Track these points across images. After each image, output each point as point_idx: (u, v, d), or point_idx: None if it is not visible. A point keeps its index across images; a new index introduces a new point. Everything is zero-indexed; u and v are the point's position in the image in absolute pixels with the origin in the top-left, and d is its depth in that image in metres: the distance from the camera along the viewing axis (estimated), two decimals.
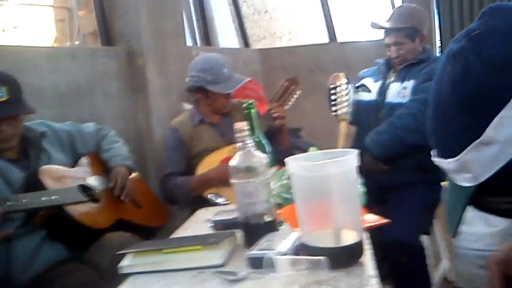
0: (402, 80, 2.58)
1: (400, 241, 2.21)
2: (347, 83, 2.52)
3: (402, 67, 2.62)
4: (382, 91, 2.65)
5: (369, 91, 2.71)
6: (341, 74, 2.56)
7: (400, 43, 2.59)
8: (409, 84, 2.54)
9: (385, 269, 2.45)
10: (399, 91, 2.56)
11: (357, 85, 2.79)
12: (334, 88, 2.52)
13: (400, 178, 2.55)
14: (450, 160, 0.68)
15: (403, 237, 2.22)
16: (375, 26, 2.68)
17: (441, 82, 0.69)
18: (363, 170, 2.54)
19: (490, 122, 0.62)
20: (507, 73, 0.61)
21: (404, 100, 2.53)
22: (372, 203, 2.43)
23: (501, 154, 0.63)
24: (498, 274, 0.90)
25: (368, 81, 2.76)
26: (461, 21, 5.20)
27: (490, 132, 0.62)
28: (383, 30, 2.68)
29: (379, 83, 2.70)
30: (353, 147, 2.54)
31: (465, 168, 0.67)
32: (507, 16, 0.64)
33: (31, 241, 1.88)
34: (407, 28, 2.57)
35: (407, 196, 2.50)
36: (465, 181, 0.68)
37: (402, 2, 5.39)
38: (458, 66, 0.66)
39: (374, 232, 2.25)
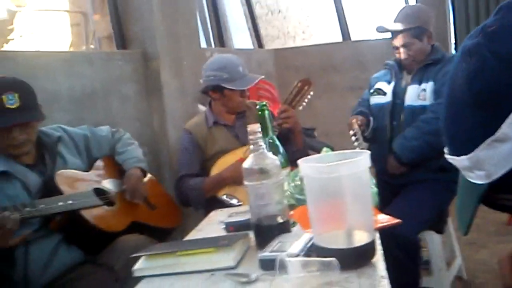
0: (420, 82, 2.56)
1: (397, 234, 2.19)
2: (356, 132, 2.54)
3: (418, 69, 2.59)
4: (398, 93, 2.64)
5: (384, 93, 2.69)
6: (353, 121, 2.57)
7: (408, 44, 2.56)
8: (428, 86, 2.52)
9: None
10: (418, 94, 2.54)
11: (371, 90, 2.78)
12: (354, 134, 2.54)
13: (418, 177, 2.55)
14: (463, 157, 0.68)
15: (401, 231, 2.19)
16: (381, 29, 2.65)
17: (455, 78, 0.69)
18: (385, 172, 2.55)
19: (504, 119, 0.62)
20: None
21: (425, 102, 2.50)
22: (385, 198, 2.44)
23: None
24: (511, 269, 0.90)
25: (382, 85, 2.74)
26: (476, 18, 5.15)
27: (505, 129, 0.62)
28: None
29: (393, 84, 2.68)
30: (372, 149, 2.55)
31: (478, 166, 0.66)
32: None
33: (47, 244, 1.91)
34: (413, 28, 2.54)
35: (418, 191, 2.50)
36: (478, 178, 0.68)
37: (416, 1, 5.39)
38: (472, 62, 0.65)
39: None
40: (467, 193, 0.73)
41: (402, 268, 2.27)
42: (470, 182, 0.70)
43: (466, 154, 0.67)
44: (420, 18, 2.57)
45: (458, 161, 0.70)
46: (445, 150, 0.75)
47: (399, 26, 2.56)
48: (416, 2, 5.37)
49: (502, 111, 0.62)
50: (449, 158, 0.73)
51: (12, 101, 1.85)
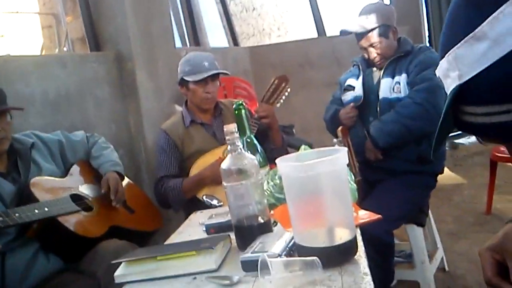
0: (392, 75, 2.57)
1: (371, 234, 2.19)
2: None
3: (389, 62, 2.60)
4: (370, 88, 2.65)
5: (353, 88, 2.72)
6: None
7: (375, 43, 2.56)
8: (401, 78, 2.53)
9: None
10: (392, 87, 2.55)
11: (343, 88, 2.80)
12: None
13: (397, 167, 2.56)
14: (443, 58, 0.67)
15: (372, 231, 2.19)
16: (345, 33, 2.64)
17: None
18: (363, 166, 2.56)
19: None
20: None
21: (400, 95, 2.51)
22: (363, 194, 2.45)
23: (488, 53, 0.61)
24: (491, 261, 0.90)
25: (351, 81, 2.77)
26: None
27: (485, 26, 0.60)
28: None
29: (361, 78, 2.69)
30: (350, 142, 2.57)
31: (453, 65, 0.65)
32: None
33: (25, 253, 1.87)
34: (378, 27, 2.54)
35: (392, 188, 2.52)
36: (452, 82, 0.66)
37: None
38: None
39: None
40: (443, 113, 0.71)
41: (375, 265, 2.29)
42: (448, 95, 0.69)
43: (447, 53, 0.67)
44: (383, 16, 2.56)
45: (440, 66, 0.69)
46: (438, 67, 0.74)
47: (363, 27, 2.55)
48: None
49: (490, 9, 0.61)
50: (437, 70, 0.71)
51: None
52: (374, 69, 2.70)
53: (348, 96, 2.74)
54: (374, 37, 2.56)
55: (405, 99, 2.48)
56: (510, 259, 0.87)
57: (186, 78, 2.56)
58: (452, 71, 0.66)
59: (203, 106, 2.63)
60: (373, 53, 2.59)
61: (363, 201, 2.26)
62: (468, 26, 0.63)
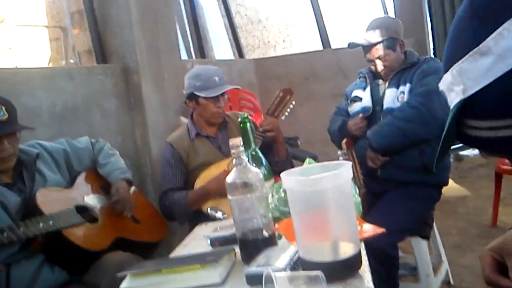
0: (397, 85, 2.59)
1: (375, 246, 2.20)
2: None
3: (395, 73, 2.62)
4: (376, 100, 2.67)
5: (360, 99, 2.73)
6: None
7: (383, 56, 2.59)
8: (406, 88, 2.55)
9: None
10: (396, 96, 2.56)
11: (350, 100, 2.81)
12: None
13: (401, 177, 2.56)
14: (448, 72, 0.68)
15: (375, 244, 2.20)
16: (353, 45, 2.66)
17: (459, 9, 0.69)
18: (368, 178, 2.56)
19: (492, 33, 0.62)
20: None
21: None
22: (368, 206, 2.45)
23: (493, 68, 0.62)
24: (491, 260, 0.91)
25: (357, 92, 2.78)
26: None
27: (489, 41, 0.61)
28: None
29: (368, 89, 2.71)
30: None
31: (458, 80, 0.66)
32: None
33: (30, 265, 1.88)
34: (386, 40, 2.57)
35: (396, 200, 2.51)
36: (456, 96, 0.67)
37: (394, 9, 5.46)
38: None
39: None
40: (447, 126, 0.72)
41: (379, 278, 2.28)
42: (451, 110, 0.70)
43: (452, 67, 0.68)
44: (390, 29, 2.59)
45: (444, 79, 0.70)
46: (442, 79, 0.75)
47: (371, 40, 2.58)
48: (395, 10, 5.46)
49: (494, 25, 0.61)
50: (440, 83, 0.72)
51: (1, 113, 1.89)
52: (381, 81, 2.71)
53: (355, 107, 2.75)
54: (381, 49, 2.58)
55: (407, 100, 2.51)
56: (508, 258, 0.88)
57: (198, 94, 2.55)
58: (456, 85, 0.67)
59: (213, 120, 2.64)
60: (380, 66, 2.61)
61: (367, 213, 2.26)
62: (473, 41, 0.63)
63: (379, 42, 2.57)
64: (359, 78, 2.86)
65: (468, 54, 0.64)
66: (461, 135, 0.72)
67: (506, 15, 0.61)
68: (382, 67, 2.62)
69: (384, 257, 2.28)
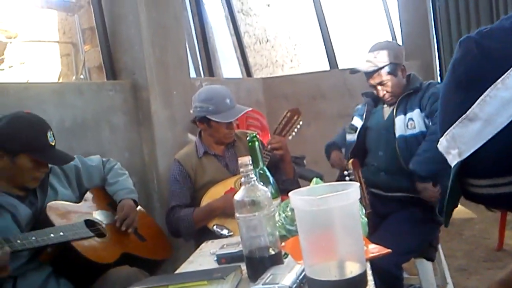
0: (404, 112, 2.59)
1: (380, 267, 2.20)
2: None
3: (399, 100, 2.62)
4: (379, 121, 2.71)
5: (356, 129, 2.78)
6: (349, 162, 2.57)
7: (384, 82, 2.60)
8: (414, 114, 2.55)
9: None
10: (406, 124, 2.56)
11: (349, 127, 2.86)
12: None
13: (407, 199, 2.57)
14: (443, 137, 0.73)
15: (381, 264, 2.20)
16: (355, 71, 2.70)
17: (447, 71, 0.75)
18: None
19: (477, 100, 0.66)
20: (499, 63, 0.65)
21: (415, 130, 2.52)
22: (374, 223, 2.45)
23: (482, 132, 0.66)
24: None
25: (356, 121, 2.84)
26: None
27: (475, 108, 0.66)
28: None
29: (361, 123, 2.78)
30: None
31: (452, 144, 0.70)
32: None
33: (37, 277, 1.89)
34: (387, 66, 2.58)
35: (401, 220, 2.51)
36: (453, 158, 0.71)
37: (401, 31, 5.50)
38: (459, 51, 0.71)
39: None
40: (450, 182, 0.75)
41: None
42: (451, 170, 0.73)
43: (445, 133, 0.72)
44: (391, 54, 2.60)
45: (440, 144, 0.74)
46: (439, 144, 0.78)
47: (372, 66, 2.60)
48: (402, 32, 5.50)
49: (477, 93, 0.66)
50: (438, 145, 0.76)
51: (51, 138, 2.00)
52: (385, 106, 2.73)
53: (349, 137, 2.82)
54: (383, 75, 2.59)
55: (419, 134, 2.50)
56: None
57: (212, 118, 2.57)
58: (452, 149, 0.71)
59: (225, 141, 2.67)
60: (382, 91, 2.63)
61: (372, 234, 2.26)
62: (460, 108, 0.68)
63: (380, 68, 2.58)
64: (364, 105, 2.87)
65: (458, 120, 0.68)
66: (464, 193, 0.76)
67: (486, 82, 0.66)
68: (385, 92, 2.63)
69: (389, 277, 2.27)
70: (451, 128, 0.70)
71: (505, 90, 0.64)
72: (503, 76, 0.65)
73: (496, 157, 0.67)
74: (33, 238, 1.79)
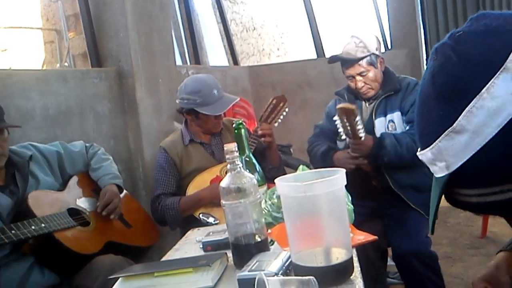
0: (385, 114, 2.54)
1: (417, 251, 2.24)
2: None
3: (379, 102, 2.56)
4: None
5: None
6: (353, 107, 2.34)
7: (364, 72, 2.52)
8: (394, 116, 2.50)
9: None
10: (386, 125, 2.52)
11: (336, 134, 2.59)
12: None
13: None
14: (427, 149, 0.71)
15: (420, 248, 2.26)
16: (335, 59, 2.61)
17: (424, 77, 0.73)
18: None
19: (462, 112, 0.65)
20: (481, 71, 0.64)
21: (397, 132, 2.47)
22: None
23: (471, 143, 0.66)
24: None
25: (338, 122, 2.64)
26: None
27: (461, 120, 0.65)
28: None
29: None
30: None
31: (439, 157, 0.69)
32: (490, 20, 0.68)
33: (20, 267, 1.87)
34: (368, 55, 2.52)
35: (410, 212, 2.46)
36: (440, 170, 0.71)
37: (388, 19, 5.50)
38: (438, 59, 0.69)
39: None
40: (433, 190, 0.75)
41: (429, 284, 2.31)
42: (435, 177, 0.73)
43: (430, 146, 0.71)
44: (372, 46, 2.55)
45: (423, 154, 0.73)
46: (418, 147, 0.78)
47: (355, 55, 2.52)
48: (389, 21, 5.49)
49: (461, 104, 0.65)
50: (419, 154, 0.75)
51: None
52: (364, 105, 2.64)
53: (341, 145, 2.66)
54: (363, 65, 2.52)
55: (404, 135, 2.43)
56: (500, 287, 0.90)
57: (200, 111, 2.54)
58: (438, 161, 0.71)
59: (213, 131, 2.65)
60: (361, 82, 2.54)
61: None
62: (444, 120, 0.67)
63: (362, 58, 2.52)
64: (337, 100, 2.73)
65: (444, 133, 0.67)
66: (452, 201, 0.76)
67: (470, 94, 0.65)
68: (363, 84, 2.54)
69: (429, 259, 2.33)
70: (436, 141, 0.69)
71: (491, 99, 0.63)
72: (487, 85, 0.63)
73: (485, 167, 0.66)
74: (13, 232, 1.75)
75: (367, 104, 2.64)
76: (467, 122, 0.65)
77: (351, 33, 2.62)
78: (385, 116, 2.53)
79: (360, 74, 2.54)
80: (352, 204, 1.69)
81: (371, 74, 2.54)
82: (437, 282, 2.36)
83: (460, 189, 0.72)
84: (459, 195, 0.72)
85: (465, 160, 0.66)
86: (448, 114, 0.67)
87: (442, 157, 0.69)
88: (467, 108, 0.64)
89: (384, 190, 2.51)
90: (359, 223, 1.69)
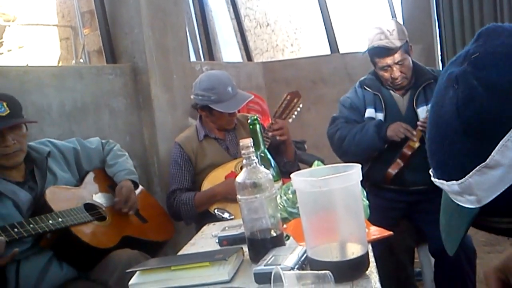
0: (426, 102, 2.49)
1: (464, 244, 2.23)
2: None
3: (420, 90, 2.51)
4: (395, 113, 2.55)
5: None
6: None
7: (401, 61, 2.47)
8: None
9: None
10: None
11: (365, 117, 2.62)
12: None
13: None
14: (453, 182, 0.69)
15: (465, 241, 2.25)
16: (376, 49, 2.47)
17: (441, 105, 0.70)
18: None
19: (494, 146, 0.63)
20: (510, 98, 0.62)
21: None
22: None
23: (506, 177, 0.63)
24: (497, 281, 0.92)
25: (371, 113, 2.60)
26: (462, 31, 5.21)
27: (495, 155, 0.62)
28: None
29: (382, 114, 2.56)
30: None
31: (469, 191, 0.67)
32: (505, 38, 0.65)
33: (39, 261, 1.90)
34: (404, 44, 2.47)
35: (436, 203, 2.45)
36: (468, 202, 0.68)
37: (402, 14, 5.46)
38: (460, 90, 0.65)
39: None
40: (454, 215, 0.73)
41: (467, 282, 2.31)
42: (458, 204, 0.71)
43: (455, 179, 0.68)
44: (404, 32, 2.50)
45: (447, 185, 0.71)
46: (431, 172, 0.76)
47: (394, 43, 2.44)
48: (403, 16, 5.46)
49: (493, 138, 0.63)
50: (437, 182, 0.73)
51: (1, 109, 1.88)
52: (396, 95, 2.59)
53: None
54: (401, 53, 2.46)
55: None
56: None
57: (214, 108, 2.55)
58: (467, 195, 0.68)
59: (227, 127, 2.66)
60: (397, 72, 2.48)
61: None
62: (473, 154, 0.65)
63: (401, 46, 2.45)
64: (361, 88, 2.65)
65: (476, 169, 0.65)
66: (479, 226, 0.74)
67: (502, 128, 0.62)
68: (399, 73, 2.48)
69: (469, 252, 2.36)
70: (466, 177, 0.66)
71: None
72: None
73: None
74: (31, 225, 1.78)
75: (397, 94, 2.59)
76: (501, 157, 0.62)
77: (377, 23, 2.55)
78: (427, 104, 2.48)
79: (397, 63, 2.48)
80: (368, 200, 1.69)
81: (407, 63, 2.50)
82: (472, 280, 2.34)
83: (490, 218, 0.71)
84: (488, 222, 0.71)
85: (498, 193, 0.65)
86: (478, 149, 0.64)
87: (472, 191, 0.67)
88: (501, 142, 0.62)
89: (394, 179, 2.51)
90: (389, 227, 1.64)
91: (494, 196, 0.65)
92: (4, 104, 1.89)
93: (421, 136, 2.44)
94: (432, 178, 0.74)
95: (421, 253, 2.60)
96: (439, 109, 0.70)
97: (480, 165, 0.64)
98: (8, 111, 1.89)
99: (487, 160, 0.63)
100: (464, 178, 0.66)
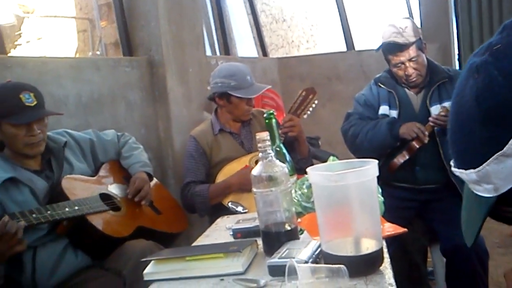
0: (440, 100, 2.48)
1: (476, 244, 2.21)
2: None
3: (434, 89, 2.51)
4: (408, 112, 2.55)
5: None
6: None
7: (415, 58, 2.46)
8: (449, 103, 2.47)
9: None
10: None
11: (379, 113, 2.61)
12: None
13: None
14: (471, 170, 0.69)
15: (478, 241, 2.21)
16: (389, 45, 2.48)
17: (462, 95, 0.70)
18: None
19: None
20: None
21: None
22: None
23: None
24: None
25: (385, 110, 2.59)
26: (480, 30, 5.16)
27: None
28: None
29: (396, 112, 2.55)
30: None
31: (486, 179, 0.68)
32: None
33: (55, 248, 1.92)
34: (417, 41, 2.46)
35: (450, 201, 2.43)
36: (486, 191, 0.69)
37: (420, 12, 5.42)
38: (480, 80, 0.66)
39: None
40: (473, 206, 0.74)
41: (477, 277, 2.29)
42: (476, 194, 0.71)
43: (474, 168, 0.69)
44: (418, 30, 2.51)
45: (465, 174, 0.71)
46: (452, 163, 0.76)
47: (407, 39, 2.43)
48: (420, 15, 5.42)
49: (511, 127, 0.63)
50: (456, 171, 0.74)
51: (30, 99, 1.92)
52: (410, 93, 2.58)
53: None
54: (415, 50, 2.45)
55: None
56: None
57: (234, 93, 2.57)
58: (485, 184, 0.69)
59: (243, 118, 2.67)
60: (411, 69, 2.47)
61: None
62: (491, 143, 0.65)
63: (414, 42, 2.44)
64: (376, 85, 2.66)
65: (493, 157, 0.65)
66: (496, 216, 0.75)
67: None
68: (413, 71, 2.47)
69: (482, 253, 2.32)
70: (484, 165, 0.67)
71: None
72: None
73: None
74: (48, 212, 1.82)
75: (411, 92, 2.58)
76: None
77: (391, 21, 2.55)
78: (440, 103, 2.48)
79: (411, 59, 2.47)
80: (383, 196, 1.69)
81: (421, 60, 2.49)
82: (484, 281, 2.33)
83: (507, 207, 0.71)
84: (506, 212, 0.72)
85: None
86: (496, 137, 0.65)
87: (489, 180, 0.67)
88: None
89: (398, 169, 2.50)
90: (402, 226, 1.64)
91: (511, 185, 0.65)
92: (32, 95, 1.94)
93: (431, 132, 2.44)
94: (453, 168, 0.74)
95: (434, 252, 2.58)
96: (460, 99, 0.70)
97: (498, 153, 0.64)
98: (36, 101, 1.94)
99: (505, 148, 0.64)
100: (481, 166, 0.67)
